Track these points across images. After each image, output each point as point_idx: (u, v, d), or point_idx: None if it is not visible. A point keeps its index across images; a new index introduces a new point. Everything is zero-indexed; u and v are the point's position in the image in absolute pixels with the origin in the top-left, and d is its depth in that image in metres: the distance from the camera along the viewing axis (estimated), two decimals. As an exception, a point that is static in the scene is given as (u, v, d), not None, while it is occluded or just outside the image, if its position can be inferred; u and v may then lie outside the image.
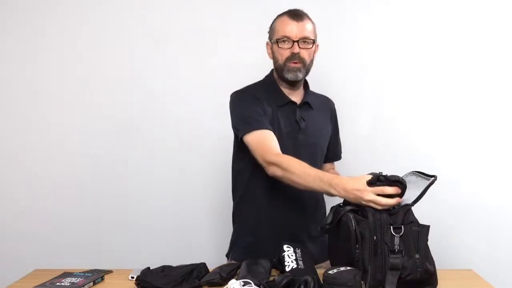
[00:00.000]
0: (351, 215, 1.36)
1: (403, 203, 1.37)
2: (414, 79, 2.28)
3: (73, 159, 2.38)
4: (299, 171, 1.46)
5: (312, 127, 1.71)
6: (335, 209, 1.45)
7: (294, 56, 1.62)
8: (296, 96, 1.73)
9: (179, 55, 2.34)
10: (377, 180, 1.34)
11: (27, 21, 2.36)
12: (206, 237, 2.39)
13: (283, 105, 1.69)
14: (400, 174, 1.54)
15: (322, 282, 1.26)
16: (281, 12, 1.70)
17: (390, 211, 1.35)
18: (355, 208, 1.39)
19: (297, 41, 1.61)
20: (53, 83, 2.37)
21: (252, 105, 1.65)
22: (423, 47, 2.27)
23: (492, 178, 2.26)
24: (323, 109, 1.80)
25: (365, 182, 1.33)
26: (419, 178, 1.45)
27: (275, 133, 1.60)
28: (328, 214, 1.45)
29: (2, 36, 2.38)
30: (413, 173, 1.49)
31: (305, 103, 1.72)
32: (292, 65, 1.63)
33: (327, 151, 1.82)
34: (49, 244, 2.36)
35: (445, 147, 2.27)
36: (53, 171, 2.39)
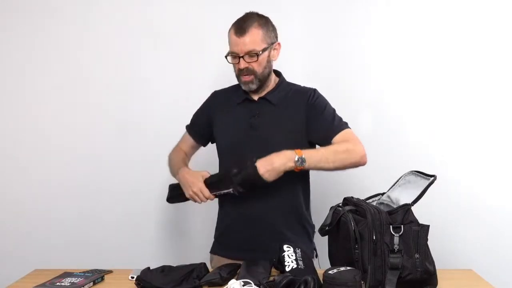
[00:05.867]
0: (350, 215, 1.36)
1: (403, 203, 1.37)
2: (415, 79, 2.28)
3: (73, 159, 2.38)
4: (171, 161, 1.89)
5: (267, 123, 1.74)
6: (334, 209, 1.46)
7: (242, 71, 1.68)
8: (261, 94, 1.78)
9: (180, 55, 2.34)
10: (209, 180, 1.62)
11: (27, 21, 2.36)
12: (206, 237, 2.38)
13: (241, 102, 1.79)
14: (400, 173, 1.55)
15: (322, 282, 1.26)
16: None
17: (389, 210, 1.35)
18: (354, 208, 1.39)
19: (243, 57, 1.65)
20: (53, 82, 2.37)
21: (199, 111, 1.90)
22: (425, 48, 2.26)
23: (492, 178, 2.25)
24: (290, 102, 1.77)
25: (201, 178, 1.63)
26: (419, 178, 1.45)
27: (230, 129, 1.77)
28: (328, 215, 1.46)
29: (2, 36, 2.38)
30: (413, 173, 1.50)
31: (262, 99, 1.77)
32: (243, 78, 1.70)
33: (312, 138, 1.76)
34: (49, 244, 2.36)
35: (445, 147, 2.26)
36: (53, 171, 2.39)
